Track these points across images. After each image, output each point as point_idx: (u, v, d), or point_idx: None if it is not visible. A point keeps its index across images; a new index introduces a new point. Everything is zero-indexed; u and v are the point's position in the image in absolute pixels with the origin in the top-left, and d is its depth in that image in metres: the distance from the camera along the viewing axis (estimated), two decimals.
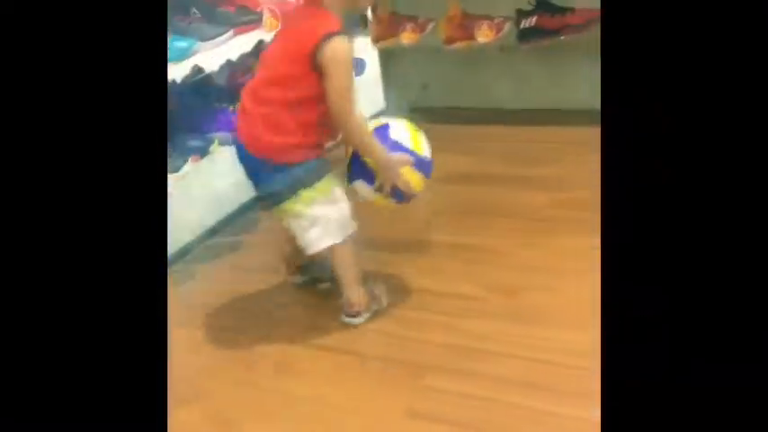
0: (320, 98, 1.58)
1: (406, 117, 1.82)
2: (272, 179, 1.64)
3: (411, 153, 1.69)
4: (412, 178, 1.69)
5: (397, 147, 1.68)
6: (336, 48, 1.53)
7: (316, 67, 1.55)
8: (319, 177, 1.64)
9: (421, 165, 1.71)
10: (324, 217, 1.66)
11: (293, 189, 1.63)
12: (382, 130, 1.71)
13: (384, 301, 1.79)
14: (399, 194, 1.71)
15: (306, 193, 1.64)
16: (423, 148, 1.73)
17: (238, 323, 1.85)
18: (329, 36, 1.53)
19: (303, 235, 1.69)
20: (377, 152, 1.65)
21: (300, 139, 1.62)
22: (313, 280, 1.94)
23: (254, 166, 1.66)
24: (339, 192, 1.69)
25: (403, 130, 1.73)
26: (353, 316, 1.76)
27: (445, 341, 1.65)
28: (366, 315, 1.77)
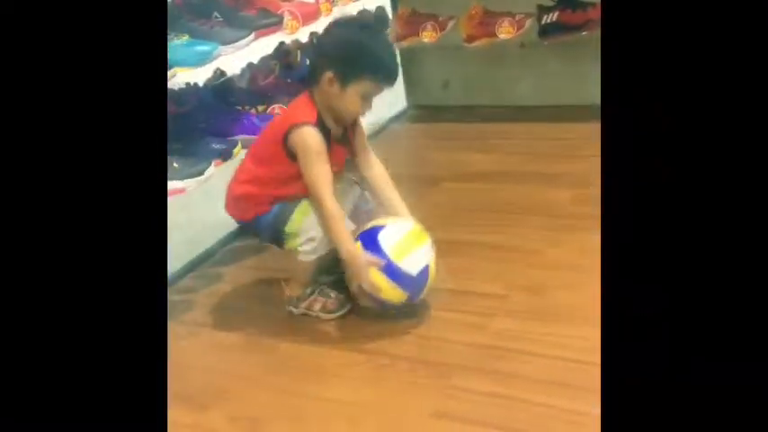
0: (291, 179, 1.73)
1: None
2: (255, 231, 1.86)
3: (384, 257, 1.67)
4: (380, 284, 1.68)
5: (374, 247, 1.68)
6: (301, 136, 1.68)
7: (288, 152, 1.70)
8: (291, 212, 1.75)
9: (393, 273, 1.68)
10: (308, 237, 1.75)
11: (275, 233, 1.78)
12: (374, 230, 1.72)
13: (344, 307, 1.84)
14: (371, 298, 1.72)
15: (286, 229, 1.76)
16: (407, 258, 1.69)
17: (265, 326, 1.86)
18: (299, 125, 1.68)
19: (297, 250, 1.79)
20: (342, 244, 1.70)
21: (265, 204, 1.78)
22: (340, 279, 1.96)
23: (239, 224, 1.90)
24: (314, 216, 1.75)
25: (395, 234, 1.72)
26: (294, 306, 1.86)
27: (471, 341, 1.65)
28: (333, 314, 1.83)
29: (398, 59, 1.74)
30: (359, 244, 1.70)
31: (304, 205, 1.75)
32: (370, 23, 2.14)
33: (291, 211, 1.75)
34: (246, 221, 1.83)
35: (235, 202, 1.83)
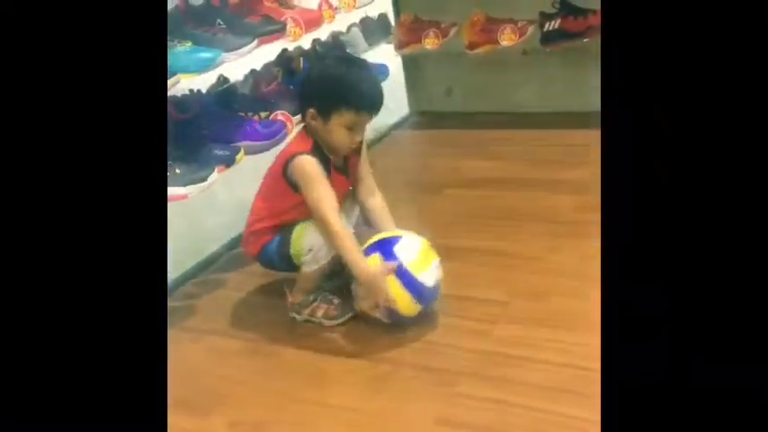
0: (290, 209, 1.78)
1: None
2: (266, 263, 1.89)
3: (403, 269, 1.67)
4: (399, 298, 1.68)
5: (392, 259, 1.68)
6: (300, 164, 1.72)
7: (290, 183, 1.75)
8: (290, 234, 1.78)
9: (412, 286, 1.68)
10: (310, 248, 1.76)
11: (284, 258, 1.80)
12: (388, 242, 1.72)
13: (346, 313, 1.83)
14: (385, 311, 1.70)
15: (292, 251, 1.78)
16: (425, 271, 1.69)
17: (268, 332, 1.86)
18: (296, 155, 1.73)
19: (300, 260, 1.80)
20: (355, 263, 1.69)
21: (268, 235, 1.83)
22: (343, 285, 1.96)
23: (255, 260, 1.92)
24: (313, 229, 1.76)
25: (411, 247, 1.71)
26: (297, 312, 1.87)
27: (475, 347, 1.64)
28: (336, 321, 1.83)
29: (380, 86, 1.75)
30: (377, 255, 1.70)
31: (300, 225, 1.77)
32: (345, 54, 2.16)
33: (290, 234, 1.78)
34: (255, 255, 1.88)
35: (246, 239, 1.90)
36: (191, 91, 2.20)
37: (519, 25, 2.79)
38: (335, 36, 2.89)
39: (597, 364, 1.48)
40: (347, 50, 2.83)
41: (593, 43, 2.62)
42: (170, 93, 1.90)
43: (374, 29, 3.07)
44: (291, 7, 2.42)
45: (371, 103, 1.73)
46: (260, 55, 2.33)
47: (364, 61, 1.93)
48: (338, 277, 1.95)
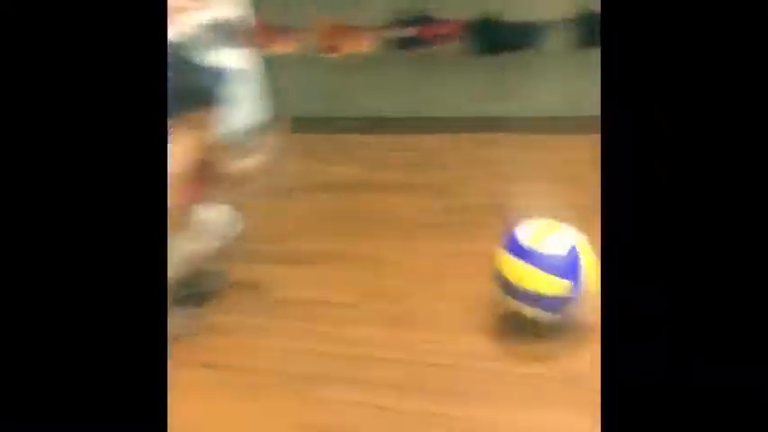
0: None
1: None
2: None
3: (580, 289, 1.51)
4: (556, 283, 1.51)
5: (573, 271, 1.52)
6: None
7: None
8: None
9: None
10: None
11: None
12: (576, 269, 1.53)
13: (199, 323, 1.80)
14: (552, 306, 1.54)
15: None
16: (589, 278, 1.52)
17: None
18: None
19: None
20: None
21: None
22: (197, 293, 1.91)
23: None
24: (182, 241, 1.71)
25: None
26: None
27: (331, 351, 1.64)
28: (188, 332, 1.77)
29: (212, 80, 1.75)
30: (567, 283, 1.51)
31: None
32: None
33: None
34: None
35: None
36: None
37: (373, 31, 2.84)
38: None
39: (457, 361, 1.52)
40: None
41: (444, 50, 2.71)
42: None
43: (228, 32, 3.01)
44: None
45: (208, 100, 1.67)
46: None
47: (188, 60, 1.87)
48: (191, 286, 1.90)
